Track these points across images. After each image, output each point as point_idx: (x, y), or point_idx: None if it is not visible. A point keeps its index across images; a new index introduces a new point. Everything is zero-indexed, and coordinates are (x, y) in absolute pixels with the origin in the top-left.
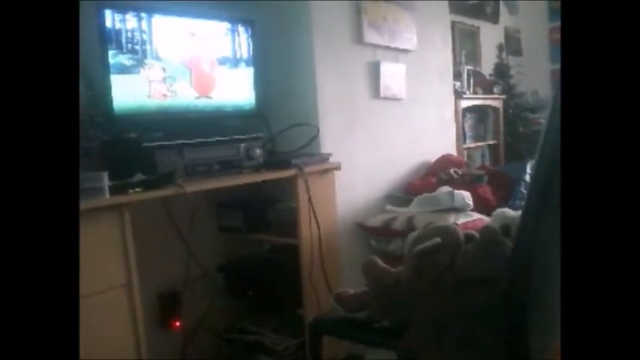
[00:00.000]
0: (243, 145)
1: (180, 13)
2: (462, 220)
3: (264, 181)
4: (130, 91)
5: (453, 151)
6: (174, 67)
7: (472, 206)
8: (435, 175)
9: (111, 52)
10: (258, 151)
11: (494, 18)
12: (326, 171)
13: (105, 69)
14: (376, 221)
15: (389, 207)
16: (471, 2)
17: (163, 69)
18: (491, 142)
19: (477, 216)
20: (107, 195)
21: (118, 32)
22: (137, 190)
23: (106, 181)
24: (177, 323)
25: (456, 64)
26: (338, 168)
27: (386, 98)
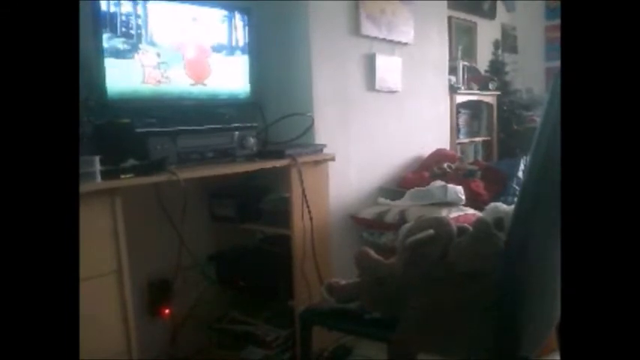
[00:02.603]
0: (237, 133)
1: None
2: (454, 214)
3: (258, 171)
4: (124, 75)
5: (447, 146)
6: (169, 53)
7: (464, 201)
8: (428, 169)
9: (105, 36)
10: (252, 141)
11: (491, 14)
12: (320, 162)
13: (99, 53)
14: (369, 213)
15: (382, 200)
16: None
17: (158, 54)
18: (484, 138)
19: (469, 210)
20: (98, 179)
21: (113, 16)
22: (129, 175)
23: (98, 166)
24: (167, 312)
25: (452, 59)
26: (332, 159)
27: (381, 91)
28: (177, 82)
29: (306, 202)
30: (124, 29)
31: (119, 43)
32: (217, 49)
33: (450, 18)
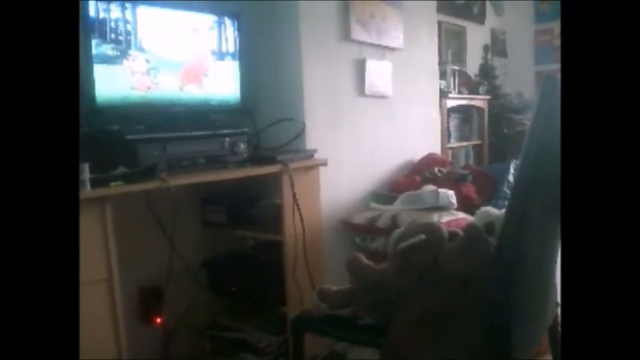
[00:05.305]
0: (227, 139)
1: (166, 5)
2: (445, 218)
3: (249, 177)
4: (113, 82)
5: (438, 150)
6: (158, 59)
7: (456, 205)
8: (419, 174)
9: (94, 42)
10: (242, 146)
11: (480, 19)
12: (311, 167)
13: (87, 59)
14: (361, 218)
15: (373, 204)
16: (458, 2)
17: (147, 60)
18: (475, 142)
19: (460, 215)
20: (88, 188)
21: (102, 22)
22: (119, 183)
23: (87, 174)
24: (159, 319)
25: (442, 63)
26: (323, 164)
27: (372, 96)
28: (167, 89)
29: (298, 207)
30: (112, 35)
31: (108, 50)
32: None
33: (439, 23)
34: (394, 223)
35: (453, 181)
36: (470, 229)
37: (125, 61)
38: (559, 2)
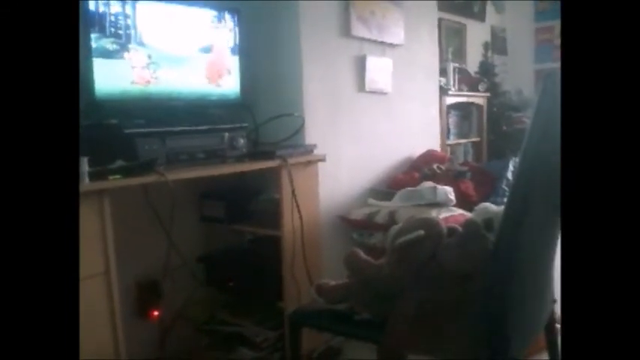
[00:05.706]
0: (227, 134)
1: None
2: (443, 214)
3: (248, 172)
4: (113, 76)
5: (437, 147)
6: (158, 53)
7: (454, 202)
8: (418, 170)
9: (93, 36)
10: (242, 141)
11: (480, 16)
12: (310, 163)
13: (87, 53)
14: (359, 214)
15: (371, 200)
16: (458, 0)
17: (148, 55)
18: (474, 140)
19: (458, 211)
20: (87, 181)
21: (102, 16)
22: (117, 176)
23: (86, 167)
24: (156, 313)
25: (442, 60)
26: (322, 160)
27: (371, 92)
28: (167, 83)
29: (297, 202)
30: (112, 29)
31: (108, 44)
32: (206, 49)
33: (440, 20)
34: (392, 219)
35: (452, 177)
36: (468, 224)
37: (125, 55)
38: (559, 1)
